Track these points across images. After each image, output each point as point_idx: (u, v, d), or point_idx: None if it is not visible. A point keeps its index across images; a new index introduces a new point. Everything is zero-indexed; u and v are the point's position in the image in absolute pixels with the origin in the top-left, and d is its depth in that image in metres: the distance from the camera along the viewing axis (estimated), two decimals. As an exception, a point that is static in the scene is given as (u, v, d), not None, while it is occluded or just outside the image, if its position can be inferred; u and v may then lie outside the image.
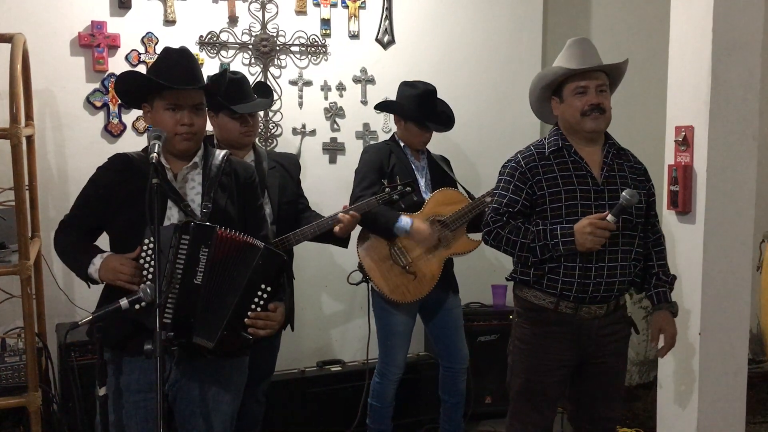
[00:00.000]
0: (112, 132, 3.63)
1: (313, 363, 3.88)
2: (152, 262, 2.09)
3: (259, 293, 2.18)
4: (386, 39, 4.07)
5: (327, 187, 3.92)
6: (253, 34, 3.83)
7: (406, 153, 3.42)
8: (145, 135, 3.50)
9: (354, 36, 4.02)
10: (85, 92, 3.58)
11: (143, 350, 1.94)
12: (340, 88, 4.01)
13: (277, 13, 3.86)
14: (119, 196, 2.22)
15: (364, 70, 4.04)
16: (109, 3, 3.58)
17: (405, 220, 3.24)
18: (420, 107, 3.34)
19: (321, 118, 4.00)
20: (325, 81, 3.98)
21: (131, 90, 2.30)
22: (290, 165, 3.25)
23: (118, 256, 2.17)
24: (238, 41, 3.81)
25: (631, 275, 2.58)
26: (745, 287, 3.09)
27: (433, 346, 3.73)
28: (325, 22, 3.95)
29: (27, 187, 3.15)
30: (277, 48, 3.87)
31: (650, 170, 2.72)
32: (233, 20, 3.80)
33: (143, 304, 2.05)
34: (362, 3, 4.01)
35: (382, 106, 3.65)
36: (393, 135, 3.50)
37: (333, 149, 4.03)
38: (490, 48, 4.28)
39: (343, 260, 3.68)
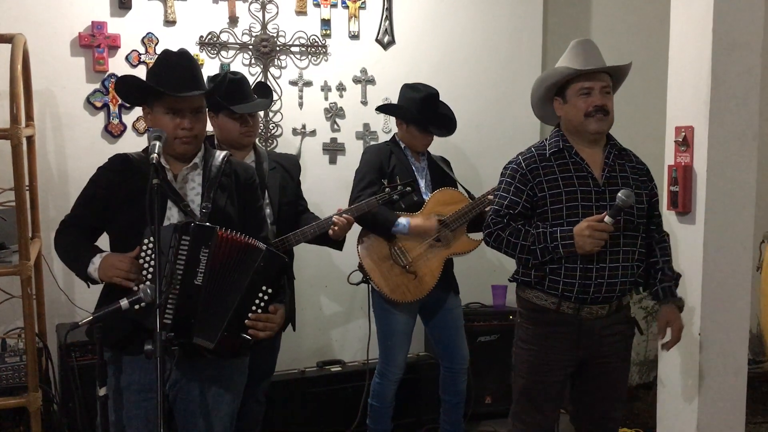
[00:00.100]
0: (113, 132, 3.63)
1: (313, 363, 3.88)
2: (152, 262, 2.09)
3: (260, 295, 2.18)
4: (386, 39, 4.07)
5: (327, 188, 3.92)
6: (254, 34, 3.83)
7: (406, 154, 3.42)
8: (145, 135, 3.50)
9: (354, 36, 4.02)
10: (86, 92, 3.58)
11: (143, 350, 1.94)
12: (341, 88, 4.01)
13: (277, 13, 3.86)
14: (119, 196, 2.22)
15: (364, 71, 4.05)
16: (109, 3, 3.58)
17: (403, 222, 3.24)
18: (422, 111, 3.34)
19: (321, 118, 4.00)
20: (325, 81, 3.98)
21: (131, 92, 2.31)
22: (290, 166, 3.25)
23: (117, 255, 2.18)
24: (239, 42, 3.81)
25: (633, 276, 2.58)
26: (745, 287, 3.09)
27: (433, 347, 3.73)
28: (326, 23, 3.95)
29: (27, 188, 3.15)
30: (278, 48, 3.87)
31: (650, 171, 2.72)
32: (233, 20, 3.80)
33: (143, 304, 2.04)
34: (362, 3, 4.01)
35: (384, 109, 3.66)
36: (393, 136, 3.51)
37: (333, 150, 4.03)
38: (490, 48, 4.28)
39: (343, 260, 3.68)
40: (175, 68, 2.21)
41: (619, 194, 2.41)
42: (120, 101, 3.60)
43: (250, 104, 3.06)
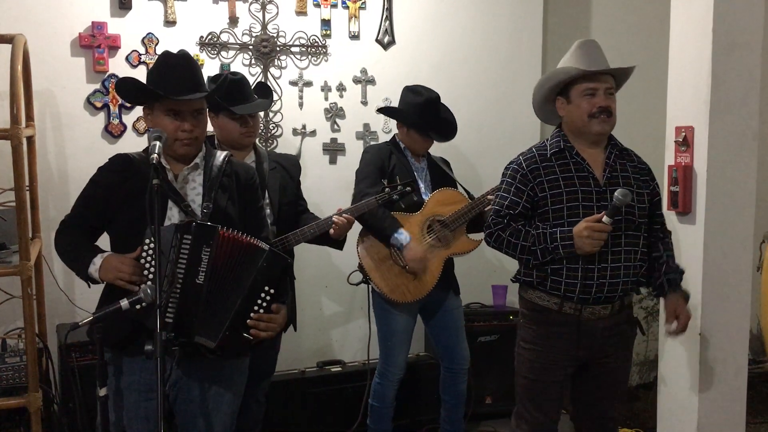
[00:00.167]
0: (113, 133, 3.63)
1: (314, 363, 3.88)
2: (153, 263, 2.09)
3: (263, 295, 2.18)
4: (386, 39, 4.07)
5: (327, 188, 3.92)
6: (254, 34, 3.83)
7: (406, 155, 3.42)
8: (146, 136, 3.50)
9: (354, 36, 4.02)
10: (86, 93, 3.58)
11: (144, 350, 1.94)
12: (341, 88, 4.01)
13: (277, 13, 3.86)
14: (120, 196, 2.22)
15: (364, 71, 4.05)
16: (109, 3, 3.58)
17: (405, 236, 3.24)
18: (423, 116, 3.34)
19: (321, 118, 4.00)
20: (325, 81, 3.98)
21: (131, 94, 2.31)
22: (290, 166, 3.25)
23: (118, 255, 2.18)
24: (239, 42, 3.81)
25: (635, 276, 2.58)
26: (745, 287, 3.10)
27: (433, 347, 3.73)
28: (326, 23, 3.95)
29: (27, 188, 3.15)
30: (278, 48, 3.87)
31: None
32: (233, 21, 3.80)
33: (144, 304, 2.04)
34: (362, 3, 4.01)
35: (386, 112, 3.66)
36: (394, 136, 3.51)
37: (333, 150, 4.03)
38: (490, 48, 4.28)
39: (343, 260, 3.68)
40: (175, 70, 2.21)
41: (615, 194, 2.41)
42: (120, 101, 3.60)
43: (251, 105, 3.06)
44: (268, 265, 2.18)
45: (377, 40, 4.07)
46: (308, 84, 3.95)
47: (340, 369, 3.86)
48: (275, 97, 3.67)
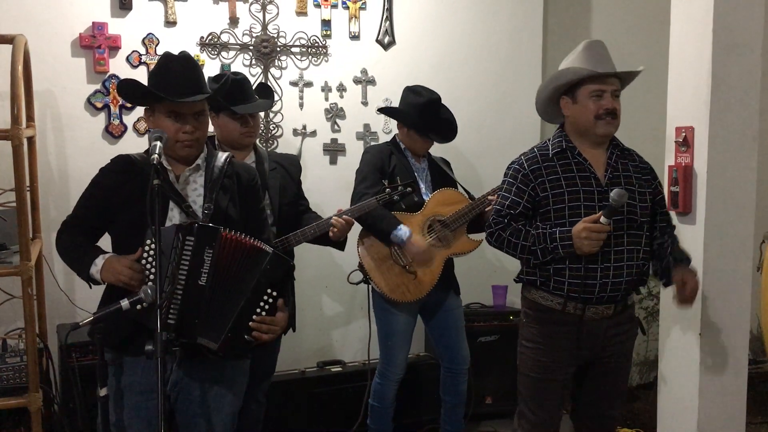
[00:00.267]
0: (113, 133, 3.63)
1: (314, 363, 3.88)
2: (154, 263, 2.09)
3: (265, 297, 2.19)
4: (387, 40, 4.08)
5: (327, 188, 3.92)
6: (254, 35, 3.84)
7: (406, 155, 3.43)
8: (146, 136, 3.51)
9: (354, 37, 4.02)
10: (86, 93, 3.58)
11: (144, 351, 1.94)
12: (341, 89, 4.01)
13: (277, 14, 3.87)
14: (121, 197, 2.22)
15: (364, 71, 4.05)
16: (109, 4, 3.59)
17: (404, 230, 3.24)
18: (423, 116, 3.34)
19: (321, 119, 4.00)
20: (325, 82, 3.98)
21: (132, 95, 2.31)
22: (291, 166, 3.25)
23: (120, 257, 2.18)
24: (239, 42, 3.81)
25: (638, 275, 2.59)
26: (745, 287, 3.09)
27: (433, 347, 3.73)
28: (326, 23, 3.95)
29: (28, 188, 3.15)
30: (278, 49, 3.87)
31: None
32: (234, 21, 3.80)
33: (144, 304, 2.04)
34: (363, 4, 4.01)
35: (386, 112, 3.66)
36: (394, 137, 3.51)
37: (333, 150, 4.03)
38: (490, 48, 4.28)
39: (343, 260, 3.68)
40: (176, 72, 2.20)
41: (611, 194, 2.42)
42: (121, 102, 3.60)
43: (251, 105, 3.06)
44: (271, 268, 2.18)
45: (377, 41, 4.07)
46: (308, 84, 3.95)
47: (340, 369, 3.86)
48: (276, 97, 3.67)
